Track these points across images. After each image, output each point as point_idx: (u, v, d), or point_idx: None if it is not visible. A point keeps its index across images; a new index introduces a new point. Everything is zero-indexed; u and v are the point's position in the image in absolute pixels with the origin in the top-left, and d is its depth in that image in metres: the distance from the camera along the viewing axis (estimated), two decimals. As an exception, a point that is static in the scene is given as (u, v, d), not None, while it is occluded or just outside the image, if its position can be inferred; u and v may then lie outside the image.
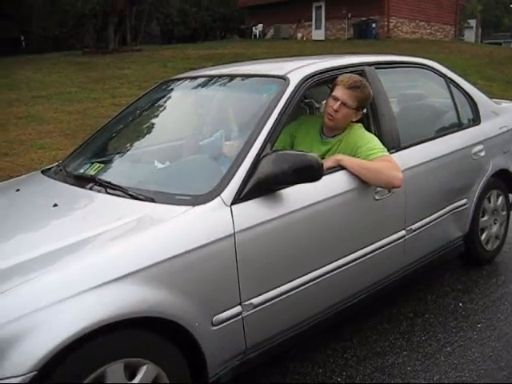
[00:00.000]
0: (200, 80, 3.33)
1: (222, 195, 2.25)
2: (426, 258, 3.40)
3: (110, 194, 2.46)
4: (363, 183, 2.74)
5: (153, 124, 3.43)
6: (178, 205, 2.24)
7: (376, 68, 3.14)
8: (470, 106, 3.79)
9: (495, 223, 4.01)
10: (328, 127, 2.89)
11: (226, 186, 2.28)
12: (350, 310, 2.91)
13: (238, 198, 2.28)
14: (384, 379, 2.71)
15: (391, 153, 2.94)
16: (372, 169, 2.72)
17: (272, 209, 2.36)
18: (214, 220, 2.21)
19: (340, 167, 2.72)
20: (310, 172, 2.33)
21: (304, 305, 2.59)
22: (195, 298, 2.13)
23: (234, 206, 2.26)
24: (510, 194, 4.17)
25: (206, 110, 3.34)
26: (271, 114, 2.52)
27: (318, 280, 2.58)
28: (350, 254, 2.74)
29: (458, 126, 3.66)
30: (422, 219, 3.22)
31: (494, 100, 4.18)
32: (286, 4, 28.02)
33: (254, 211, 2.31)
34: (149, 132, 3.39)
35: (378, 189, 2.82)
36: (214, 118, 3.26)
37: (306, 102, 3.73)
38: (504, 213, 4.09)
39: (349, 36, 26.43)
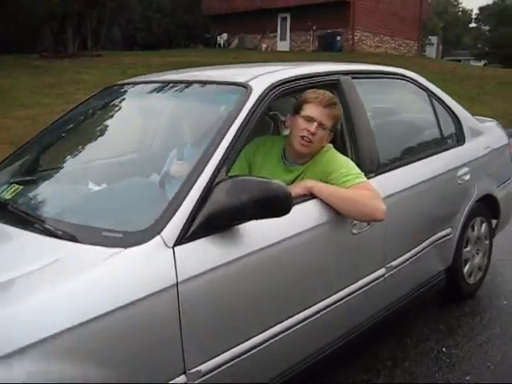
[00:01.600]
0: (149, 86, 2.82)
1: (162, 233, 1.75)
2: (406, 297, 2.95)
3: (21, 227, 1.92)
4: (339, 215, 2.27)
5: (91, 136, 2.90)
6: (104, 246, 1.72)
7: (353, 78, 2.69)
8: (454, 123, 3.39)
9: (478, 253, 3.61)
10: (299, 154, 2.40)
11: (167, 222, 1.77)
12: (321, 362, 2.44)
13: (184, 237, 1.78)
14: None
15: (369, 177, 2.50)
16: (349, 199, 2.25)
17: (227, 250, 1.87)
18: (151, 267, 1.70)
19: (310, 195, 2.25)
20: (276, 204, 1.84)
21: (268, 364, 2.11)
22: (123, 370, 1.61)
23: (177, 248, 1.76)
24: (492, 220, 3.79)
25: (154, 121, 2.84)
26: (228, 129, 2.03)
27: (284, 334, 2.10)
28: (322, 301, 2.27)
29: (442, 146, 3.24)
30: (404, 254, 2.78)
31: (475, 117, 3.80)
32: (251, 14, 27.74)
33: (203, 254, 1.81)
34: (86, 146, 2.86)
35: (355, 221, 2.36)
36: (162, 132, 2.77)
37: (271, 114, 3.27)
38: (487, 242, 3.71)
39: (314, 48, 26.33)
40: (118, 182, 2.40)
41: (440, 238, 3.11)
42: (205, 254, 1.81)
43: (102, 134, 2.88)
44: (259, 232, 1.97)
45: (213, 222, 1.83)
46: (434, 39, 42.31)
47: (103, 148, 2.84)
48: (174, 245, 1.75)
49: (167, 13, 34.17)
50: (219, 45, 29.25)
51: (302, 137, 2.32)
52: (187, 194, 1.83)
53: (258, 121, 2.88)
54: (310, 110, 2.33)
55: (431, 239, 3.02)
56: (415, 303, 3.12)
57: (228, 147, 1.98)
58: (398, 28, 28.52)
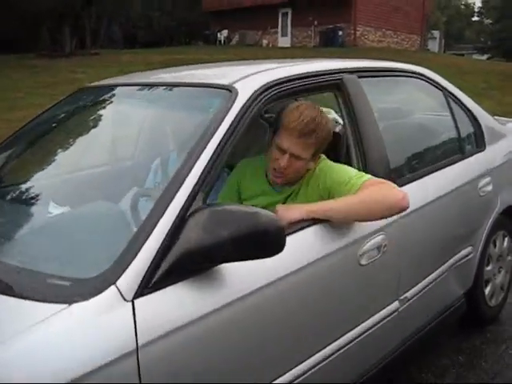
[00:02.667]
0: (122, 90, 2.42)
1: (118, 283, 1.35)
2: (422, 329, 2.55)
3: None
4: (341, 243, 1.88)
5: (57, 146, 2.51)
6: (44, 301, 1.33)
7: (359, 77, 2.29)
8: (474, 126, 2.98)
9: (500, 272, 3.22)
10: (277, 185, 2.04)
11: (125, 268, 1.38)
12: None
13: (147, 287, 1.38)
14: None
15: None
16: (366, 201, 1.83)
17: (203, 299, 1.47)
18: (102, 330, 1.30)
19: (311, 221, 1.85)
20: (265, 242, 1.45)
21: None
22: None
23: (138, 301, 1.36)
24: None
25: (126, 130, 2.43)
26: (206, 145, 1.63)
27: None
28: (324, 348, 1.87)
29: (461, 153, 2.84)
30: (420, 282, 2.38)
31: (495, 118, 3.40)
32: (251, 10, 27.33)
33: (172, 306, 1.42)
34: (51, 158, 2.46)
35: (363, 250, 1.96)
36: (135, 144, 2.37)
37: (267, 117, 2.88)
38: (509, 258, 3.31)
39: (315, 44, 25.92)
40: (81, 205, 2.01)
41: (460, 259, 2.71)
42: (174, 306, 1.42)
43: (69, 144, 2.51)
44: (245, 273, 1.56)
45: (185, 265, 1.44)
46: (436, 33, 41.83)
47: (70, 160, 2.45)
48: (134, 297, 1.36)
49: (167, 10, 33.79)
50: (220, 41, 28.87)
51: (274, 169, 1.96)
52: (152, 229, 1.43)
53: (250, 127, 2.53)
54: (282, 138, 1.93)
55: (450, 261, 2.62)
56: (430, 333, 2.72)
57: (205, 167, 1.58)
58: (401, 22, 28.08)
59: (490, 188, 2.87)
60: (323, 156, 2.07)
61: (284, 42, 27.41)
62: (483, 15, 55.94)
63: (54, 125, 2.58)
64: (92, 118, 2.53)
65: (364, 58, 2.69)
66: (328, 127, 2.01)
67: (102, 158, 2.45)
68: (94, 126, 2.49)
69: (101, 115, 2.43)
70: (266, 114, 2.97)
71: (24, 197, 2.14)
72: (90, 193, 2.14)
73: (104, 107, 2.45)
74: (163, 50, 24.52)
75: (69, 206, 1.98)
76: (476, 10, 59.83)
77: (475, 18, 59.75)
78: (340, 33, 24.96)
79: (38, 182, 2.25)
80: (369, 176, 1.95)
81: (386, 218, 1.92)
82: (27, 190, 2.17)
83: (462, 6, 61.57)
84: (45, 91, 12.50)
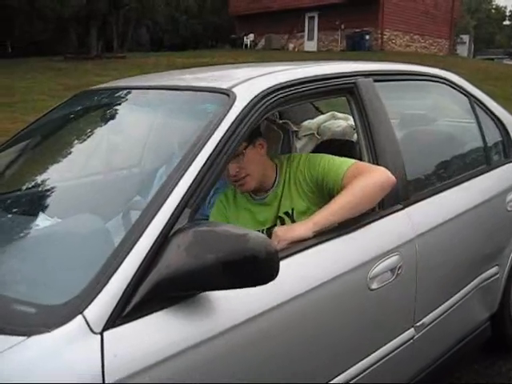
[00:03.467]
0: (119, 93, 2.27)
1: (85, 312, 1.19)
2: (441, 358, 2.34)
3: None
4: (348, 266, 1.69)
5: (51, 153, 2.37)
6: (2, 332, 1.17)
7: (375, 80, 2.10)
8: (502, 135, 2.75)
9: (530, 291, 2.97)
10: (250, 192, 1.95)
11: (95, 295, 1.21)
12: None
13: (119, 317, 1.22)
14: None
15: (396, 211, 1.92)
16: (355, 194, 1.75)
17: (185, 331, 1.30)
18: (64, 366, 1.14)
19: (313, 240, 1.66)
20: (256, 268, 1.26)
21: None
22: None
23: (108, 333, 1.19)
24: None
25: (121, 136, 2.27)
26: (198, 153, 1.46)
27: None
28: (331, 381, 1.68)
29: (487, 164, 2.61)
30: (438, 307, 2.17)
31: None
32: (278, 14, 27.21)
33: (148, 340, 1.24)
34: (45, 165, 2.32)
35: (375, 272, 1.76)
36: (130, 151, 2.21)
37: (281, 123, 2.72)
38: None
39: (341, 48, 25.67)
40: (67, 218, 1.85)
41: (484, 280, 2.49)
42: (150, 339, 1.24)
43: (66, 149, 2.37)
44: (234, 301, 1.39)
45: (164, 292, 1.27)
46: (465, 38, 41.21)
47: (65, 167, 2.30)
48: (104, 329, 1.19)
49: (194, 14, 33.86)
50: (246, 45, 28.79)
51: (232, 181, 1.89)
52: (129, 251, 1.27)
53: (265, 132, 2.39)
54: None
55: (473, 283, 2.40)
56: (452, 359, 2.50)
57: (194, 180, 1.41)
58: (429, 26, 27.65)
59: (517, 202, 2.64)
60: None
61: (310, 46, 27.21)
62: (515, 20, 54.91)
63: (50, 130, 2.45)
64: (89, 123, 2.40)
65: (391, 62, 2.50)
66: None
67: (97, 167, 2.31)
68: (91, 132, 2.36)
69: (97, 120, 2.30)
70: (281, 119, 2.82)
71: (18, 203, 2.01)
72: (81, 204, 1.99)
73: (101, 112, 2.31)
74: (189, 53, 24.54)
75: (57, 218, 1.83)
76: (507, 13, 58.75)
77: (506, 22, 58.66)
78: (367, 37, 24.68)
79: (31, 191, 2.11)
80: (351, 161, 1.88)
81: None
82: (14, 200, 2.03)
83: (493, 10, 60.49)
84: (67, 94, 12.40)
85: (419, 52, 26.73)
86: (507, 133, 2.77)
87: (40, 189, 2.16)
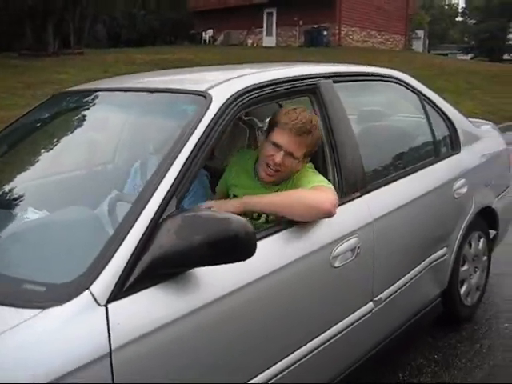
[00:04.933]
0: (98, 95, 2.42)
1: (92, 288, 1.38)
2: (398, 330, 2.61)
3: None
4: (313, 247, 1.92)
5: (35, 152, 2.50)
6: (20, 306, 1.35)
7: (334, 82, 2.33)
8: (449, 129, 3.03)
9: (476, 271, 3.28)
10: (263, 181, 2.10)
11: (99, 272, 1.40)
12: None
13: (120, 291, 1.41)
14: None
15: (355, 198, 2.16)
16: (292, 199, 1.93)
17: (176, 303, 1.50)
18: (75, 334, 1.33)
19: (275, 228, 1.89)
20: (236, 246, 1.48)
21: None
22: None
23: (111, 306, 1.39)
24: (490, 231, 3.45)
25: (103, 135, 2.44)
26: (181, 149, 1.66)
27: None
28: (298, 349, 1.91)
29: (436, 156, 2.89)
30: (394, 283, 2.43)
31: (470, 120, 3.46)
32: (236, 10, 27.34)
33: (145, 310, 1.45)
34: (28, 163, 2.47)
35: (337, 252, 2.00)
36: (111, 149, 2.38)
37: (247, 120, 2.91)
38: (485, 258, 3.37)
39: (300, 43, 25.99)
40: (58, 210, 2.02)
41: (435, 260, 2.76)
42: (147, 310, 1.45)
43: (46, 149, 2.51)
44: (218, 277, 1.60)
45: (157, 270, 1.47)
46: (420, 33, 42.11)
47: (47, 165, 2.45)
48: (108, 302, 1.39)
49: (152, 9, 33.59)
50: (204, 41, 28.83)
51: (268, 165, 2.02)
52: (125, 235, 1.46)
53: (231, 131, 2.55)
54: (278, 136, 2.02)
55: (425, 263, 2.67)
56: (406, 332, 2.77)
57: (180, 172, 1.61)
58: (385, 22, 28.26)
59: (464, 190, 2.92)
60: (310, 165, 2.12)
61: (269, 41, 27.46)
62: (467, 15, 56.42)
63: (30, 130, 2.58)
64: (68, 123, 2.53)
65: (348, 57, 2.72)
66: (319, 131, 2.11)
67: (78, 164, 2.46)
68: (70, 132, 2.50)
69: (76, 120, 2.44)
70: (246, 117, 3.01)
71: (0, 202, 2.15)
72: (67, 198, 2.16)
73: (80, 112, 2.45)
74: (148, 49, 24.40)
75: (46, 211, 1.99)
76: (460, 10, 60.34)
77: (459, 19, 60.23)
78: (325, 33, 25.06)
79: (15, 187, 2.25)
80: (327, 185, 2.02)
81: (310, 219, 1.95)
82: (3, 195, 2.18)
83: (446, 7, 62.05)
84: (26, 92, 12.39)
85: (376, 47, 27.31)
86: (454, 127, 3.05)
87: (25, 185, 2.32)
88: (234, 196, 2.13)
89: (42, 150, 2.53)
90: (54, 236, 1.72)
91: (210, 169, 2.42)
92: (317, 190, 1.97)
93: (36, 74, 15.07)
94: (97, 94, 2.43)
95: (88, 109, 2.42)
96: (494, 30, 42.58)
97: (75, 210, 1.87)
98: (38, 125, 2.60)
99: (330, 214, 1.94)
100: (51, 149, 2.51)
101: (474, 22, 52.35)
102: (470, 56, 45.19)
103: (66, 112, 2.54)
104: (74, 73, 15.08)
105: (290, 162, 2.00)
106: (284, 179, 2.07)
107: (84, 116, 2.43)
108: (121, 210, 1.77)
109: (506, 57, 43.19)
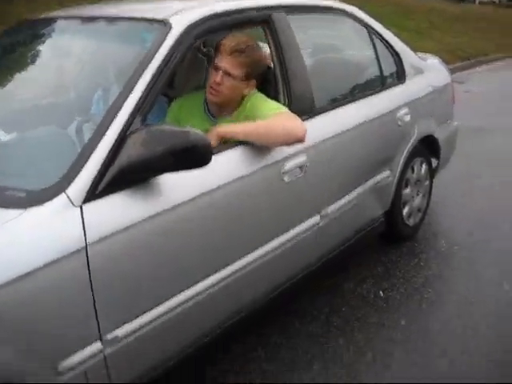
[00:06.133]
0: (59, 23, 2.52)
1: (68, 191, 1.58)
2: (344, 244, 2.90)
3: None
4: (266, 162, 2.15)
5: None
6: (3, 207, 1.54)
7: (288, 14, 2.50)
8: (395, 61, 3.25)
9: (418, 195, 3.58)
10: (213, 104, 2.27)
11: (74, 178, 1.60)
12: (253, 316, 2.37)
13: (93, 194, 1.62)
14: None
15: (304, 120, 2.37)
16: (264, 126, 2.14)
17: (142, 206, 1.72)
18: (55, 230, 1.53)
19: (231, 144, 2.11)
20: (194, 155, 1.69)
21: (192, 323, 2.01)
22: (32, 339, 1.48)
23: (86, 206, 1.59)
24: (432, 159, 3.75)
25: (65, 63, 2.55)
26: (142, 73, 1.83)
27: (208, 291, 2.00)
28: (250, 253, 2.17)
29: (382, 86, 3.12)
30: (340, 200, 2.70)
31: (418, 54, 3.68)
32: None
33: (115, 211, 1.66)
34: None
35: (287, 168, 2.24)
36: (75, 76, 2.50)
37: (205, 51, 3.04)
38: (427, 183, 3.67)
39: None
40: (29, 131, 2.18)
41: (378, 182, 3.04)
42: (117, 211, 1.66)
43: (11, 77, 2.62)
44: (179, 185, 1.82)
45: (126, 176, 1.67)
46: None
47: (13, 92, 2.58)
48: (83, 202, 1.59)
49: None
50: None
51: (211, 86, 2.20)
52: (96, 146, 1.65)
53: (188, 60, 2.69)
54: (217, 59, 2.20)
55: (369, 183, 2.95)
56: (352, 248, 3.07)
57: (143, 93, 1.79)
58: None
59: (408, 118, 3.17)
60: (256, 91, 2.30)
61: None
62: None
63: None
64: (32, 51, 2.63)
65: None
66: (260, 53, 2.28)
67: (44, 91, 2.58)
68: (34, 60, 2.60)
69: (40, 49, 2.55)
70: (205, 48, 3.13)
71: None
72: (36, 121, 2.30)
73: (43, 41, 2.56)
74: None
75: (17, 133, 2.15)
76: None
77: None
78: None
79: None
80: (286, 109, 2.23)
81: (283, 145, 2.20)
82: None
83: None
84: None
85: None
86: (400, 59, 3.27)
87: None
88: None
89: (7, 79, 2.64)
90: (31, 150, 1.90)
91: (169, 97, 2.59)
92: (284, 117, 2.17)
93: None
94: (58, 22, 2.54)
95: (50, 37, 2.53)
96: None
97: (47, 130, 2.05)
98: (5, 52, 2.69)
99: (302, 140, 2.17)
100: (12, 76, 2.63)
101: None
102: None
103: (29, 40, 2.63)
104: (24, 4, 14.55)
105: (229, 81, 2.16)
106: (231, 105, 2.24)
107: (46, 44, 2.54)
108: (89, 129, 1.95)
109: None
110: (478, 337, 2.62)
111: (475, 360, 2.46)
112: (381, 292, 3.01)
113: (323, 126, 2.49)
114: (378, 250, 3.46)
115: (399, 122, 3.13)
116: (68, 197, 1.57)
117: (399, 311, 2.84)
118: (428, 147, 3.59)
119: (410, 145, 3.26)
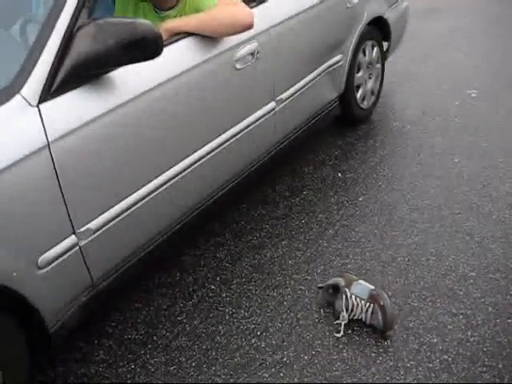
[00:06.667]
0: None
1: (22, 91, 1.58)
2: (300, 128, 2.99)
3: None
4: (217, 50, 2.15)
5: None
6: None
7: None
8: None
9: (370, 78, 3.65)
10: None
11: (27, 78, 1.59)
12: (218, 202, 2.48)
13: (48, 94, 1.62)
14: (263, 278, 2.39)
15: (252, 7, 2.36)
16: (211, 16, 2.13)
17: (98, 102, 1.73)
18: (15, 129, 1.54)
19: (181, 35, 2.09)
20: (145, 47, 1.69)
21: (160, 211, 2.10)
22: (7, 237, 1.55)
23: (43, 106, 1.60)
24: (384, 43, 3.78)
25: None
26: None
27: (173, 180, 2.08)
28: (210, 142, 2.23)
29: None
30: (294, 85, 2.74)
31: None
32: None
33: (73, 109, 1.67)
34: None
35: (238, 55, 2.25)
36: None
37: None
38: (379, 65, 3.73)
39: None
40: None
41: (331, 66, 3.08)
42: (75, 108, 1.67)
43: None
44: (133, 79, 1.83)
45: (79, 73, 1.66)
46: None
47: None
48: (39, 102, 1.60)
49: None
50: None
51: None
52: (45, 44, 1.63)
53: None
54: None
55: (321, 68, 2.99)
56: (310, 133, 3.17)
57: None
58: None
59: (356, 0, 3.16)
60: None
61: None
62: None
63: None
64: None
65: None
66: None
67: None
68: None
69: None
70: None
71: None
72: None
73: None
74: None
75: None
76: None
77: None
78: None
79: None
80: None
81: (232, 33, 2.19)
82: None
83: None
84: None
85: None
86: None
87: None
88: None
89: None
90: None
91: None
92: (230, 5, 2.16)
93: None
94: None
95: None
96: None
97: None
98: None
99: (251, 26, 2.19)
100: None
101: None
102: None
103: None
104: None
105: None
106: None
107: None
108: (34, 29, 1.91)
109: None
110: (432, 204, 2.81)
111: (426, 219, 2.68)
112: (339, 173, 3.15)
113: (272, 12, 2.48)
114: (334, 135, 3.57)
115: (348, 4, 3.12)
116: (23, 97, 1.57)
117: (357, 190, 2.99)
118: (378, 29, 3.61)
119: (360, 27, 3.28)
